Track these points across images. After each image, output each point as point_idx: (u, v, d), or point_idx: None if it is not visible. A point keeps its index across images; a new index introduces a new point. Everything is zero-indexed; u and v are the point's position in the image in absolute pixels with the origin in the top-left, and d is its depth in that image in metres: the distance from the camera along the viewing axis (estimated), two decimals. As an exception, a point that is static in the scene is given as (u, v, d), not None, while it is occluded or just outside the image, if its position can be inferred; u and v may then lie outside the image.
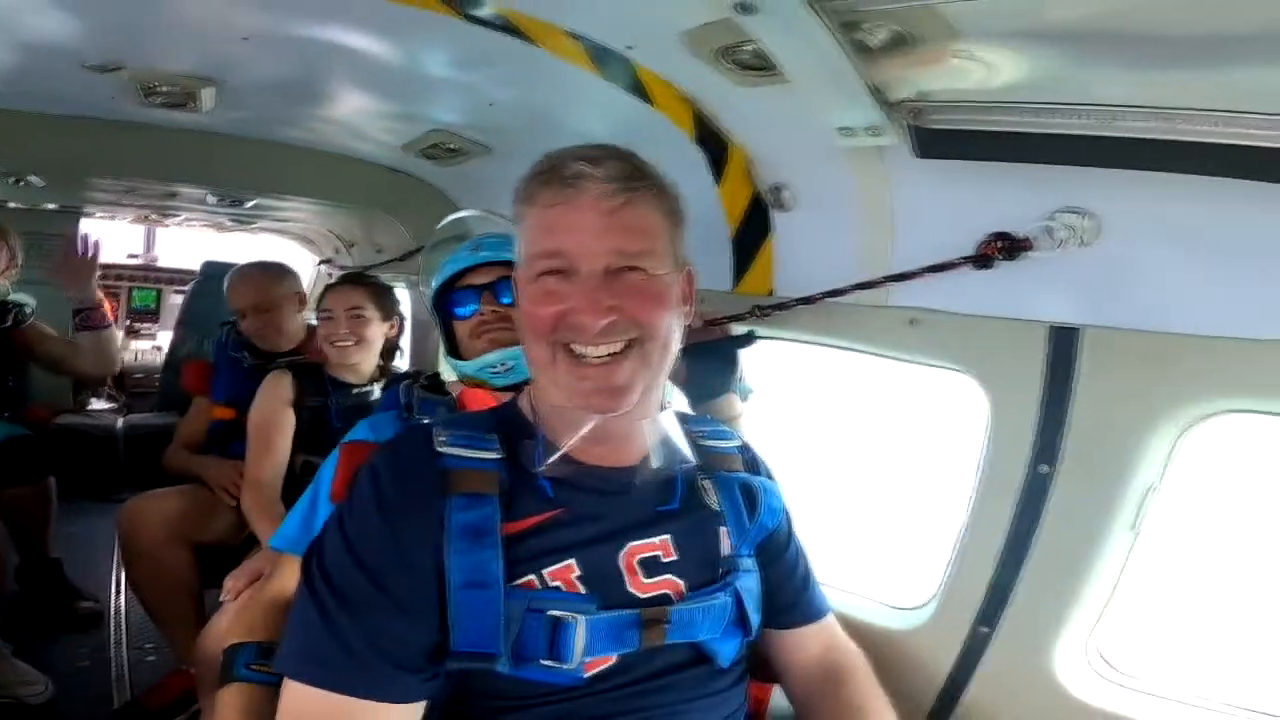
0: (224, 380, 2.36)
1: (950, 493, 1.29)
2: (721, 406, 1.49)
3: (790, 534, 1.07)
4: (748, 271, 1.57)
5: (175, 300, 5.10)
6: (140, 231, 5.66)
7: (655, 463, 0.92)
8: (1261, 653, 1.69)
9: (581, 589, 0.85)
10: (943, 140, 1.06)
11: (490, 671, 0.80)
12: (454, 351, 1.33)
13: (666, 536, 0.91)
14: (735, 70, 1.14)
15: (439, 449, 0.87)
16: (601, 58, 1.28)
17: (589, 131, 1.57)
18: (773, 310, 1.45)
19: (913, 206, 1.24)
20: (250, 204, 3.28)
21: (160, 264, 5.72)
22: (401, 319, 2.17)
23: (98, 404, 3.99)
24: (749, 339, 1.50)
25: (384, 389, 1.82)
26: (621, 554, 0.88)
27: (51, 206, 3.52)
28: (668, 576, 0.90)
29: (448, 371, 1.35)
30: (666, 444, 0.93)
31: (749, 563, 0.97)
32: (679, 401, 1.39)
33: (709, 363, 1.50)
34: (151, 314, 5.30)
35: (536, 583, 0.84)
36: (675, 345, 0.90)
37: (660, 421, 0.94)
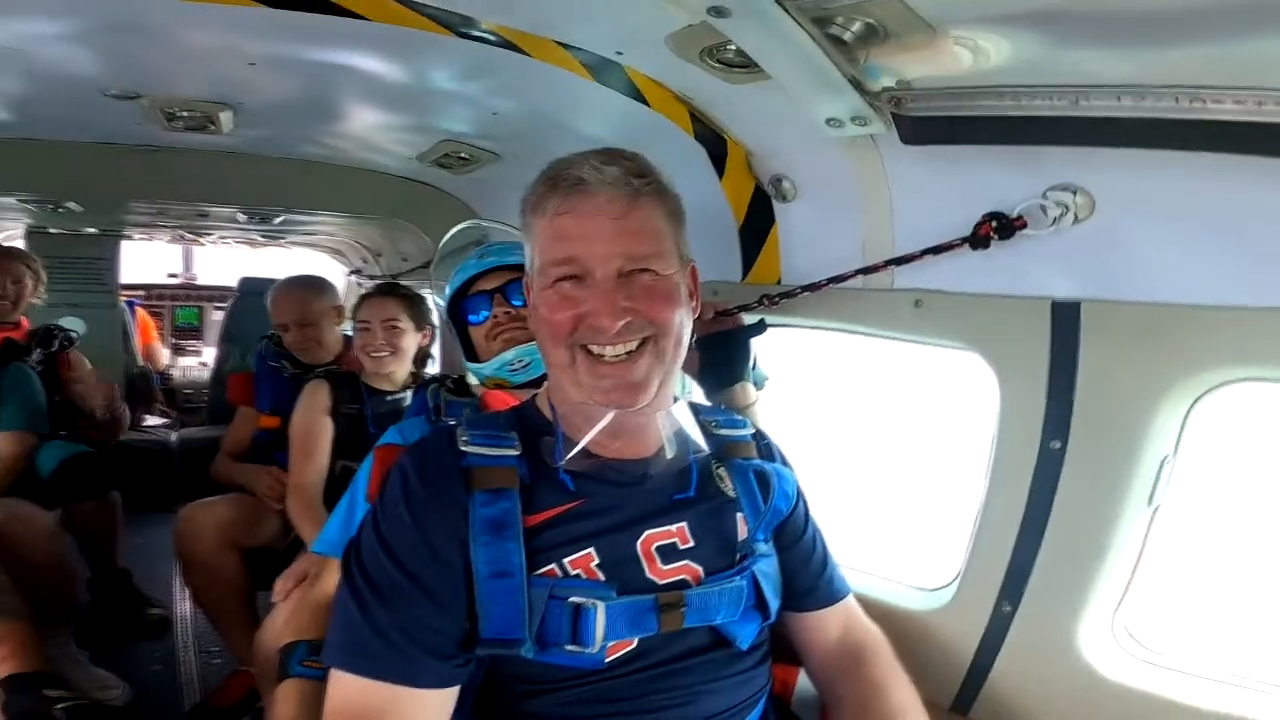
0: (267, 390, 2.44)
1: (968, 472, 1.28)
2: (736, 395, 1.50)
3: (807, 518, 1.08)
4: (756, 262, 1.58)
5: (216, 317, 5.28)
6: (178, 252, 5.88)
7: (670, 453, 0.94)
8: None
9: (601, 576, 0.88)
10: (927, 127, 1.06)
11: (517, 657, 0.85)
12: (472, 356, 1.37)
13: (683, 524, 0.94)
14: (722, 69, 1.15)
15: (462, 448, 0.91)
16: (595, 65, 1.29)
17: (594, 134, 1.59)
18: (781, 298, 1.47)
19: (909, 191, 1.24)
20: (278, 220, 3.37)
21: (199, 282, 5.93)
22: (433, 328, 2.21)
23: (151, 420, 4.15)
24: (760, 328, 1.51)
25: (413, 394, 1.87)
26: (639, 542, 0.91)
27: (92, 230, 3.67)
28: (685, 562, 0.92)
29: (472, 375, 1.38)
30: (680, 435, 0.96)
31: (765, 547, 0.99)
32: (697, 393, 1.41)
33: (722, 353, 1.51)
34: (195, 331, 5.50)
35: (558, 571, 0.87)
36: (686, 339, 0.93)
37: (674, 414, 0.97)
